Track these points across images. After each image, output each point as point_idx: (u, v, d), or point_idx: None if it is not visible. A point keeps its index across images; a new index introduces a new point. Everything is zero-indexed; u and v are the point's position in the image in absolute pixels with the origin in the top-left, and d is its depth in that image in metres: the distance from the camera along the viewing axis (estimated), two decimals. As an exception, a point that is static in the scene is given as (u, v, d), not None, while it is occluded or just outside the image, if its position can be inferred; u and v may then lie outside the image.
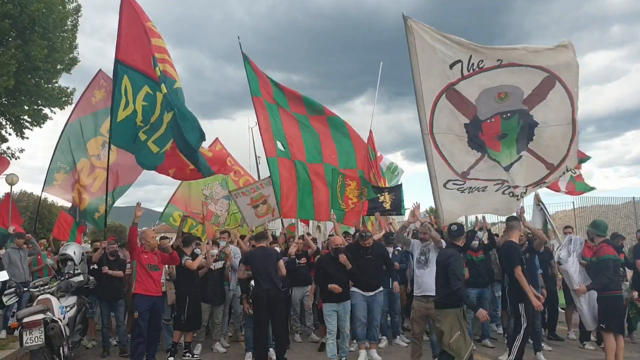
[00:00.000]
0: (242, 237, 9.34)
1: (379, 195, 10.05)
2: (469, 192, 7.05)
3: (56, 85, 17.37)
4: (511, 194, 7.13)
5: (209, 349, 8.19)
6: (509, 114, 6.96)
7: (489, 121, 6.94)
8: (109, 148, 8.36)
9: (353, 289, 7.19)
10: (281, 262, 7.49)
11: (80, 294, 7.53)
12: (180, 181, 11.61)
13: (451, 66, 6.47)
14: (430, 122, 6.71)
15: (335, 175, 9.75)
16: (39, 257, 10.14)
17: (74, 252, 7.53)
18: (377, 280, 7.42)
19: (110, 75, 8.76)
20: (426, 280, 6.48)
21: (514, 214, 7.05)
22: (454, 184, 6.94)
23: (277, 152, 9.23)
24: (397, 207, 10.01)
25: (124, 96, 7.72)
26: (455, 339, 5.33)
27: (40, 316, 5.29)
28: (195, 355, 7.70)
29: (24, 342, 5.15)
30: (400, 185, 10.97)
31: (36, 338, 5.16)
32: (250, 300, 7.35)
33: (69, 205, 12.06)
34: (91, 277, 7.89)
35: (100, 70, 11.93)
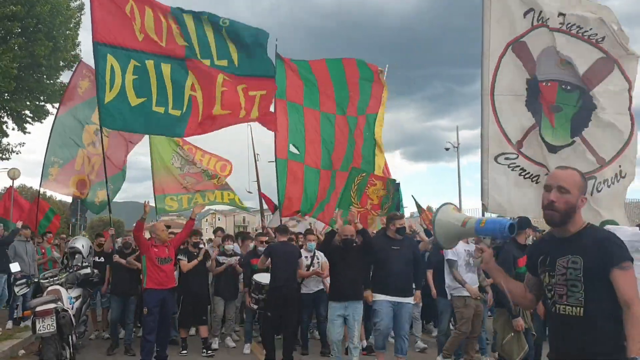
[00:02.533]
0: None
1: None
2: (520, 174, 6.38)
3: (58, 81, 17.65)
4: None
5: (223, 344, 8.23)
6: (569, 87, 6.41)
7: (544, 84, 6.39)
8: (101, 132, 8.32)
9: (377, 296, 6.19)
10: (302, 260, 7.48)
11: (85, 286, 7.82)
12: (151, 173, 11.76)
13: (525, 14, 6.11)
14: (493, 80, 6.30)
15: (355, 173, 9.48)
16: (42, 249, 10.43)
17: (82, 246, 7.79)
18: (409, 281, 6.31)
19: (92, 64, 8.80)
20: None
21: None
22: (506, 158, 6.34)
23: (289, 155, 9.32)
24: (397, 206, 9.94)
25: (108, 77, 7.54)
26: (508, 340, 5.26)
27: (52, 305, 5.58)
28: (210, 352, 7.61)
29: (37, 329, 5.43)
30: (399, 184, 10.80)
31: (48, 326, 5.45)
32: (255, 295, 7.34)
33: (69, 199, 12.31)
34: (95, 270, 8.14)
35: (81, 60, 12.12)
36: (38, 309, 5.51)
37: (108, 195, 8.99)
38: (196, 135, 8.70)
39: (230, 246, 8.38)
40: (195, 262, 7.81)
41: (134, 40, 7.75)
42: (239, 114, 8.31)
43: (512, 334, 5.23)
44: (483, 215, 6.22)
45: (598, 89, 6.20)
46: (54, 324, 5.49)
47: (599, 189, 6.38)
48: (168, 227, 8.71)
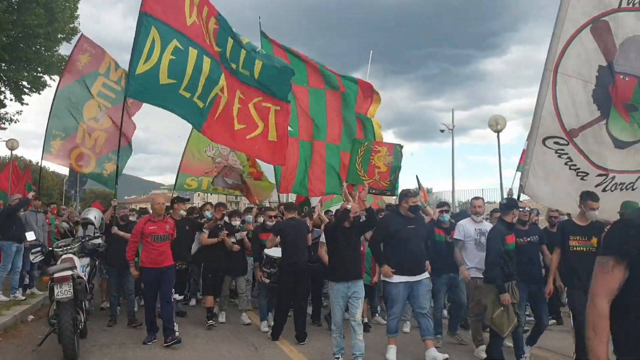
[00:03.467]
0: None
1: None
2: (566, 164, 5.99)
3: (56, 53, 17.67)
4: (614, 187, 5.99)
5: (237, 320, 8.20)
6: (630, 78, 5.88)
7: (622, 77, 5.85)
8: (124, 101, 8.59)
9: (392, 277, 6.05)
10: (309, 235, 7.63)
11: (93, 256, 8.13)
12: (183, 151, 12.09)
13: None
14: (560, 57, 5.82)
15: (357, 145, 9.40)
16: (47, 219, 10.70)
17: (95, 217, 8.06)
18: (424, 259, 6.27)
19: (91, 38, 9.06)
20: None
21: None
22: (555, 142, 5.97)
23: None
24: (393, 187, 9.92)
25: (147, 48, 7.50)
26: (498, 314, 5.42)
27: (69, 272, 5.88)
28: (211, 322, 7.68)
29: (55, 294, 5.74)
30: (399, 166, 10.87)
31: (66, 291, 5.76)
32: (267, 269, 7.38)
33: (66, 171, 12.47)
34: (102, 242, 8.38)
35: (82, 35, 12.22)
36: (56, 275, 5.82)
37: (117, 167, 9.00)
38: (213, 142, 9.33)
39: (237, 222, 8.44)
40: (214, 240, 7.88)
41: (183, 23, 7.81)
42: (255, 128, 8.71)
43: (502, 308, 5.41)
44: (518, 197, 6.28)
45: None
46: (71, 290, 5.79)
47: None
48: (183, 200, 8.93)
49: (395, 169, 9.48)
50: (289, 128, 9.38)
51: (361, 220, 6.08)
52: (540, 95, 5.95)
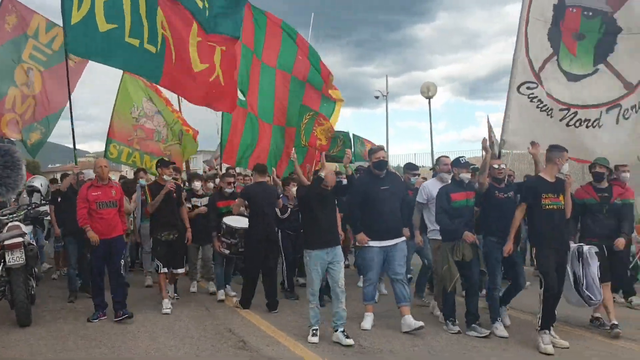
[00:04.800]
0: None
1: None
2: (537, 107, 6.19)
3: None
4: (579, 123, 6.22)
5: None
6: (590, 13, 6.15)
7: (571, 9, 6.15)
8: (66, 58, 7.23)
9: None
10: (280, 201, 7.32)
11: (35, 224, 8.02)
12: (109, 117, 11.53)
13: None
14: (530, 2, 6.14)
15: (304, 111, 9.25)
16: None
17: (41, 185, 7.88)
18: (399, 222, 5.98)
19: None
20: None
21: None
22: (527, 87, 6.18)
23: (237, 101, 8.85)
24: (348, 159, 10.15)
25: None
26: (445, 270, 5.57)
27: (20, 239, 5.88)
28: (176, 295, 7.41)
29: (7, 261, 5.74)
30: (348, 132, 11.11)
31: (18, 258, 5.75)
32: (227, 239, 7.03)
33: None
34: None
35: None
36: (7, 242, 5.79)
37: (73, 133, 7.72)
38: (174, 92, 7.95)
39: (199, 184, 7.99)
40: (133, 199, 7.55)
41: None
42: (213, 70, 7.49)
43: (447, 265, 5.53)
44: (499, 155, 6.24)
45: (623, 10, 6.05)
46: (23, 257, 5.81)
47: (627, 116, 6.30)
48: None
49: (334, 144, 9.78)
50: (240, 97, 8.94)
51: (343, 184, 5.86)
52: (517, 45, 6.21)
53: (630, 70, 6.28)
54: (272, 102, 9.72)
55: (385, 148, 5.86)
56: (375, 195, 5.79)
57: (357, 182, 5.97)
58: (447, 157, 6.52)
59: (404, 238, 6.00)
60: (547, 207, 5.24)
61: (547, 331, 5.16)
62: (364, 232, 5.86)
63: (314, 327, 5.48)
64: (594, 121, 6.34)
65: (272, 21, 9.55)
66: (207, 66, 7.42)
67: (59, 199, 7.71)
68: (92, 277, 6.45)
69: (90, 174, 7.26)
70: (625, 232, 5.98)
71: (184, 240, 7.05)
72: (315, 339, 5.39)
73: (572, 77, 6.34)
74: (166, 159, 9.60)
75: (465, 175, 5.74)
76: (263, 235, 6.70)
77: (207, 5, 7.36)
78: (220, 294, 7.38)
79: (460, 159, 5.85)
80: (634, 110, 6.34)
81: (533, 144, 5.85)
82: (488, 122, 7.02)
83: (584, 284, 5.33)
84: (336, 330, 5.38)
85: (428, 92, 16.54)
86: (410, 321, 5.63)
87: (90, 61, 8.29)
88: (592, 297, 5.36)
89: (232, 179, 7.81)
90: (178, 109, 11.89)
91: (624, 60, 6.25)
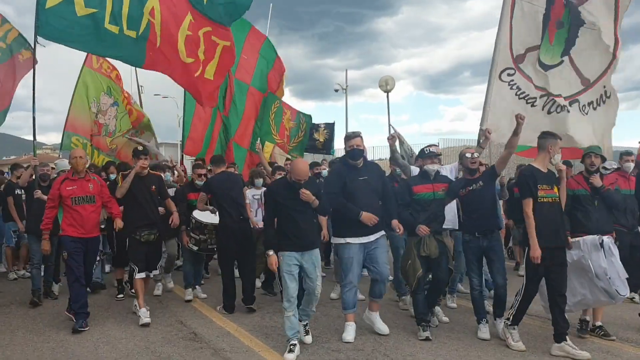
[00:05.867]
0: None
1: (314, 130, 9.72)
2: (517, 94, 6.07)
3: None
4: (559, 109, 6.16)
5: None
6: (566, 1, 6.13)
7: None
8: (35, 40, 6.82)
9: (343, 239, 5.21)
10: (246, 189, 7.02)
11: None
12: (67, 108, 11.32)
13: None
14: None
15: (271, 100, 9.13)
16: None
17: None
18: (378, 216, 5.18)
19: None
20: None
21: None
22: (508, 74, 6.07)
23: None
24: (328, 146, 9.77)
25: None
26: (409, 266, 5.20)
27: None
28: (120, 296, 7.06)
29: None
30: (334, 123, 10.67)
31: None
32: (195, 235, 6.64)
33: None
34: None
35: None
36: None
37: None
38: (162, 73, 7.49)
39: (168, 174, 7.52)
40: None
41: None
42: (199, 61, 7.31)
43: (410, 260, 5.20)
44: (479, 142, 6.03)
45: (588, 3, 5.98)
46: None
47: (585, 112, 6.27)
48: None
49: (294, 135, 9.48)
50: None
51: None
52: (500, 28, 6.07)
53: (587, 66, 6.23)
54: (239, 121, 9.51)
55: (361, 134, 5.31)
56: (351, 186, 5.18)
57: (332, 172, 5.61)
58: (436, 145, 5.89)
59: (383, 233, 5.34)
60: (542, 199, 4.76)
61: (516, 327, 4.94)
62: (340, 228, 5.28)
63: (292, 342, 4.76)
64: (564, 107, 6.28)
65: (254, 34, 9.58)
66: (192, 60, 7.26)
67: (18, 192, 7.49)
68: (70, 280, 5.74)
69: (64, 164, 6.90)
70: (626, 226, 5.82)
71: (162, 239, 6.43)
72: (292, 356, 4.65)
73: (544, 67, 6.28)
74: (111, 154, 9.49)
75: (431, 167, 5.31)
76: (235, 226, 6.26)
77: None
78: (188, 294, 6.92)
79: (425, 149, 5.44)
80: (591, 106, 6.34)
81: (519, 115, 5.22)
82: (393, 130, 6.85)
83: (610, 277, 4.82)
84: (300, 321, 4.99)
85: (386, 85, 16.81)
86: (377, 321, 5.37)
87: (43, 49, 7.99)
88: (619, 291, 4.84)
89: (204, 171, 7.44)
90: (139, 101, 11.84)
91: (584, 55, 6.21)
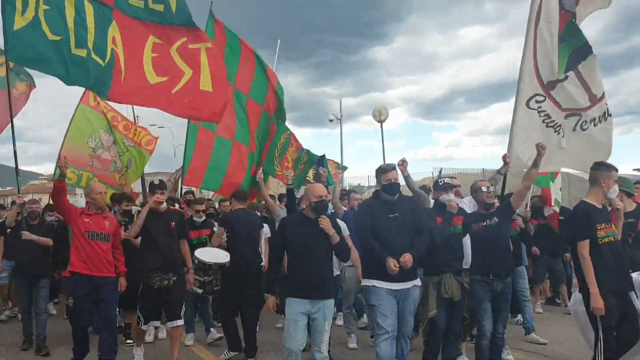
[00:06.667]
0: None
1: (319, 165, 9.17)
2: (544, 122, 5.87)
3: None
4: (584, 125, 6.07)
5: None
6: (574, 20, 6.11)
7: (563, 11, 6.04)
8: (7, 66, 6.50)
9: (370, 281, 4.48)
10: (263, 232, 6.58)
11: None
12: (63, 139, 11.11)
13: None
14: (539, 7, 5.87)
15: (282, 129, 8.92)
16: None
17: None
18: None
19: None
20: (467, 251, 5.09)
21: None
22: (536, 101, 5.86)
23: (200, 122, 8.28)
24: (303, 179, 9.35)
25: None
26: (424, 307, 4.78)
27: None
28: (129, 342, 6.38)
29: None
30: (324, 155, 10.29)
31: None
32: (199, 277, 5.95)
33: None
34: None
35: None
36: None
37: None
38: (135, 105, 7.20)
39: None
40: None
41: None
42: (181, 76, 6.65)
43: (427, 302, 4.75)
44: (505, 178, 5.79)
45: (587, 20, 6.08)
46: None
47: (584, 128, 6.11)
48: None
49: (296, 167, 9.20)
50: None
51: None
52: (525, 50, 5.87)
53: (598, 81, 6.16)
54: (248, 128, 9.20)
55: (396, 167, 4.72)
56: (381, 224, 4.48)
57: (361, 207, 5.05)
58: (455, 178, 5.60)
59: (417, 283, 4.59)
60: (604, 240, 4.17)
61: None
62: (369, 268, 4.55)
63: None
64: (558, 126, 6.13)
65: (246, 46, 9.25)
66: (165, 79, 6.69)
67: (9, 231, 6.89)
68: (74, 325, 5.28)
69: (81, 204, 6.29)
70: None
71: (183, 284, 5.62)
72: None
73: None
74: (119, 189, 9.14)
75: (446, 197, 4.88)
76: (243, 267, 5.77)
77: (173, 5, 6.75)
78: (189, 339, 6.44)
79: (440, 180, 5.09)
80: (592, 123, 6.13)
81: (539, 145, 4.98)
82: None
83: None
84: None
85: (380, 116, 17.04)
86: None
87: (43, 80, 7.74)
88: None
89: (202, 207, 6.94)
90: (134, 122, 11.68)
91: (592, 71, 6.13)
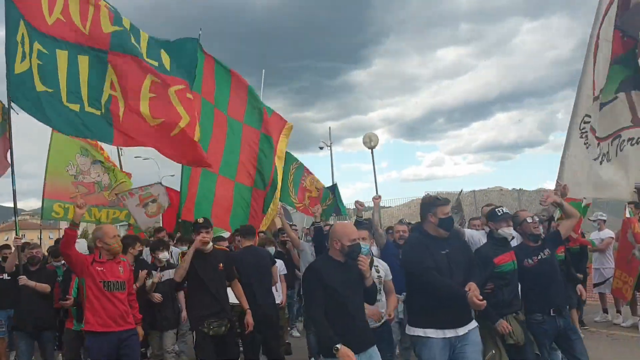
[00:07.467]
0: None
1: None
2: (584, 143, 5.54)
3: None
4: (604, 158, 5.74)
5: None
6: (637, 49, 5.81)
7: (627, 38, 5.78)
8: (9, 105, 6.31)
9: (422, 331, 3.86)
10: (275, 268, 6.22)
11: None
12: (44, 174, 10.85)
13: None
14: (602, 21, 5.60)
15: (290, 160, 8.52)
16: None
17: None
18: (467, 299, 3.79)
19: None
20: None
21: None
22: (584, 122, 5.55)
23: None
24: (337, 207, 9.19)
25: (20, 46, 6.03)
26: (489, 358, 4.18)
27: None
28: None
29: None
30: (335, 184, 10.03)
31: None
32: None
33: None
34: None
35: None
36: None
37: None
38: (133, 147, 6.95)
39: (165, 254, 6.33)
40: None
41: (43, 22, 6.15)
42: (178, 120, 6.55)
43: (494, 350, 4.19)
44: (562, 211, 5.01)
45: None
46: None
47: (622, 148, 5.84)
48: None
49: (326, 197, 8.77)
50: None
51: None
52: (583, 72, 5.59)
53: None
54: (237, 158, 8.85)
55: (449, 201, 4.18)
56: (432, 263, 3.89)
57: (413, 244, 4.23)
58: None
59: (476, 325, 3.98)
60: None
61: None
62: (418, 314, 3.99)
63: None
64: (604, 155, 5.78)
65: (237, 78, 9.03)
66: (161, 121, 6.55)
67: (8, 277, 6.31)
68: None
69: (83, 248, 5.83)
70: None
71: (235, 329, 5.21)
72: None
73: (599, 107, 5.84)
74: (116, 205, 9.01)
75: (507, 231, 4.39)
76: (258, 312, 5.27)
77: (167, 64, 6.88)
78: None
79: (498, 210, 4.50)
80: (629, 142, 5.86)
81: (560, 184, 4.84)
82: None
83: None
84: None
85: (370, 142, 17.60)
86: None
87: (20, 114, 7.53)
88: None
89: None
90: (118, 164, 11.43)
91: None
